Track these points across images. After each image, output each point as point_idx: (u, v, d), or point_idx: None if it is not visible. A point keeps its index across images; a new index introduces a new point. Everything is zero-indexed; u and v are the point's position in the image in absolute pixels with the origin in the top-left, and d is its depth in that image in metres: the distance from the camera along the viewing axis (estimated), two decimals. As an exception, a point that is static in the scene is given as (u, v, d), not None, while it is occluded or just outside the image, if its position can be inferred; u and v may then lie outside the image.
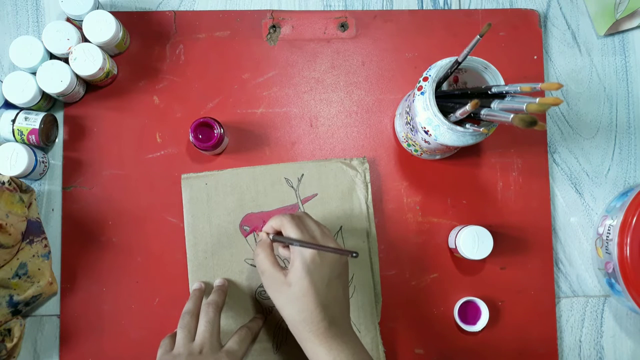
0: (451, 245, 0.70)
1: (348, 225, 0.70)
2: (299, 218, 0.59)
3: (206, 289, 0.68)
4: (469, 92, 0.61)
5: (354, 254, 0.52)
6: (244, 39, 0.73)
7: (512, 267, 0.72)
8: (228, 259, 0.69)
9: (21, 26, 0.73)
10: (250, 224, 0.70)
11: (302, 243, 0.55)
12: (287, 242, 0.57)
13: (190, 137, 0.66)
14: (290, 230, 0.57)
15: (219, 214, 0.70)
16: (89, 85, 0.72)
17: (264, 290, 0.68)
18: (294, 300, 0.54)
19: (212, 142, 0.67)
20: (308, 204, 0.70)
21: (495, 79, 0.60)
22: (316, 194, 0.70)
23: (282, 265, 0.58)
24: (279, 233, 0.60)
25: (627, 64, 0.76)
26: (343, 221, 0.70)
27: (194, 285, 0.68)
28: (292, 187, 0.70)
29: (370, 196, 0.71)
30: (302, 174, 0.71)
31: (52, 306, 0.70)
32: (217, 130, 0.67)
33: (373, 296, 0.70)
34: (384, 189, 0.72)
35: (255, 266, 0.67)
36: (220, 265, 0.69)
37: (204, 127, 0.68)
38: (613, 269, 0.68)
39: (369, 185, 0.71)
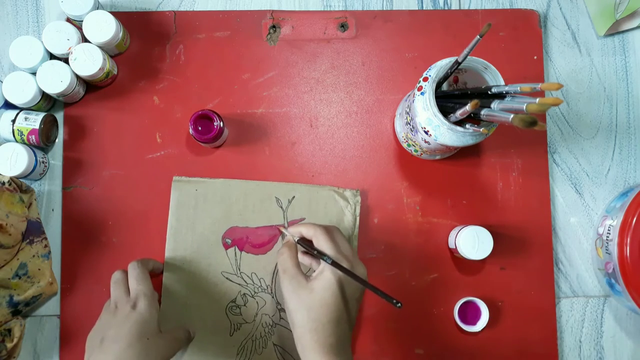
0: (451, 245, 0.70)
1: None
2: (331, 232, 0.58)
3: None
4: (469, 92, 0.61)
5: (399, 304, 0.52)
6: (244, 39, 0.73)
7: (512, 267, 0.72)
8: (204, 269, 0.68)
9: (21, 26, 0.73)
10: (233, 237, 0.69)
11: (344, 270, 0.54)
12: (318, 256, 0.56)
13: (190, 130, 0.66)
14: (324, 245, 0.56)
15: (204, 222, 0.69)
16: (89, 86, 0.72)
17: (235, 306, 0.68)
18: (310, 308, 0.54)
19: (212, 134, 0.66)
20: None
21: (495, 79, 0.60)
22: (304, 219, 0.70)
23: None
24: (304, 240, 0.59)
25: (627, 64, 0.76)
26: None
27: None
28: (281, 207, 0.70)
29: (356, 230, 0.70)
30: (293, 196, 0.70)
31: (52, 306, 0.70)
32: (217, 123, 0.66)
33: None
34: (384, 189, 0.72)
35: (231, 280, 0.68)
36: (195, 274, 0.68)
37: (203, 120, 0.67)
38: (613, 269, 0.68)
39: (357, 218, 0.70)
